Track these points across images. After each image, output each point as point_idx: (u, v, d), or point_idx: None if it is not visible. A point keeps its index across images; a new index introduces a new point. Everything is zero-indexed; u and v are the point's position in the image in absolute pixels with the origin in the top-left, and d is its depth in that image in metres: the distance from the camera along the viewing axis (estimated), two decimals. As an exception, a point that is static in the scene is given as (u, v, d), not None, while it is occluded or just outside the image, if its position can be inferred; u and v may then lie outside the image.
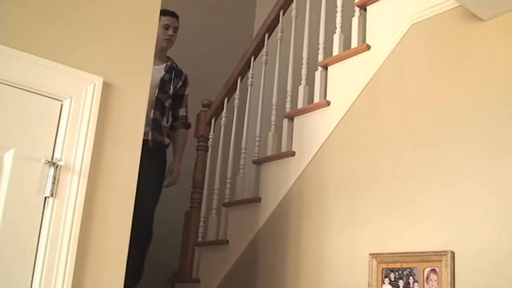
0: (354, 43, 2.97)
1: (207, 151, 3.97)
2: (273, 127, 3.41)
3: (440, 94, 2.42)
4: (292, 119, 3.21)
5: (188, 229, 3.79)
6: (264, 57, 3.65)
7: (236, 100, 3.81)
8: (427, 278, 2.25)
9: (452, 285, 2.15)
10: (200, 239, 3.73)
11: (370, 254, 2.46)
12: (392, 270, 2.38)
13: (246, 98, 3.73)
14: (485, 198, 2.14)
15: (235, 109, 3.80)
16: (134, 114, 1.86)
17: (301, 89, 3.25)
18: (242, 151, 3.62)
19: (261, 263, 2.97)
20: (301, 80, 3.28)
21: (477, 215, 2.15)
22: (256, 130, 3.53)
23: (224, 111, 3.91)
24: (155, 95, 3.53)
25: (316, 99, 3.08)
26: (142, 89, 1.89)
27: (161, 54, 3.64)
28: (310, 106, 3.09)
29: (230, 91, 3.89)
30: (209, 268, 3.48)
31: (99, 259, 1.70)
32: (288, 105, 3.32)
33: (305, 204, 2.90)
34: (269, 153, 3.32)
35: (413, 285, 2.29)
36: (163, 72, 3.64)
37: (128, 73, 1.86)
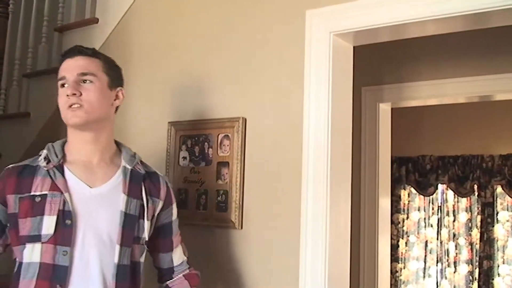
0: None
1: (8, 17, 3.62)
2: (76, -8, 3.17)
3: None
4: (98, -17, 2.99)
5: (-13, 103, 3.51)
6: None
7: (39, -40, 3.45)
8: (221, 143, 2.33)
9: (243, 149, 2.25)
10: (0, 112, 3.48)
11: (169, 122, 2.47)
12: (189, 137, 2.42)
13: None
14: (277, 72, 2.22)
15: (39, -30, 3.45)
16: None
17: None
18: (45, 18, 3.34)
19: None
20: None
21: (268, 86, 2.24)
22: (59, -6, 3.26)
23: (27, -27, 3.54)
24: (115, 261, 1.64)
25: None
26: None
27: (93, 144, 1.75)
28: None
29: None
30: (8, 143, 3.28)
31: None
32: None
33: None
34: (72, 20, 3.10)
35: (207, 150, 2.36)
36: (122, 195, 1.71)
37: None
